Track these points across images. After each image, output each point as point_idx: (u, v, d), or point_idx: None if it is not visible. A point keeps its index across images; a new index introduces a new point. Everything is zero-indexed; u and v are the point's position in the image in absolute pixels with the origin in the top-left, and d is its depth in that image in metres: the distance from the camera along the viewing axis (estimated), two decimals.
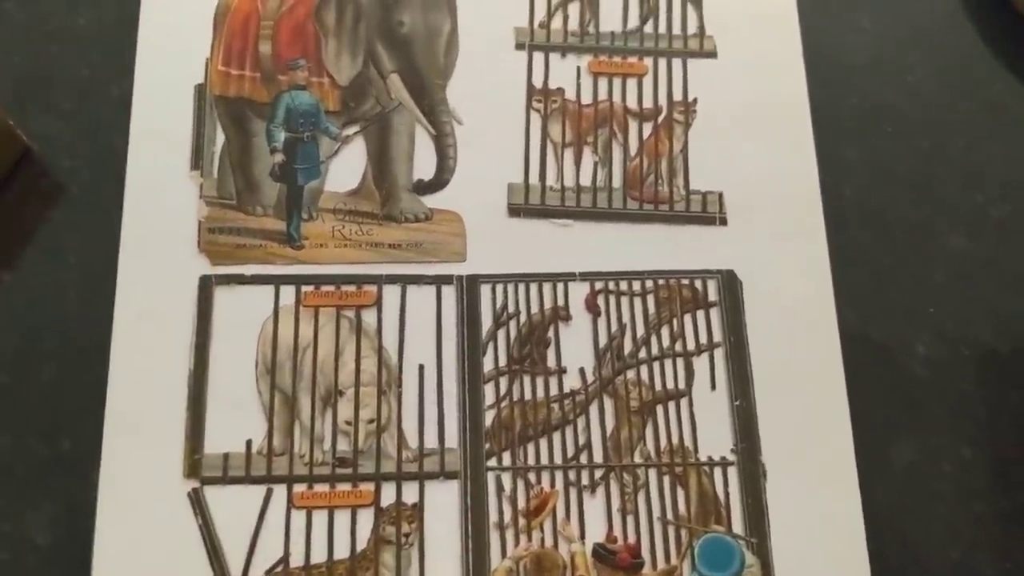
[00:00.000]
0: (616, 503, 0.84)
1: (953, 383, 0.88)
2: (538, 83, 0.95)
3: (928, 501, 0.85)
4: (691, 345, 0.88)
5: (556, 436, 0.85)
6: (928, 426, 0.87)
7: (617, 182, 0.93)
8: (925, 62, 0.98)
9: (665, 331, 0.89)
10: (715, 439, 0.86)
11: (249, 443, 0.84)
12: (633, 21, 0.98)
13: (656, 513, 0.84)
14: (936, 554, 0.83)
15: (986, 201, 0.93)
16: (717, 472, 0.85)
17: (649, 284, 0.90)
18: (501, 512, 0.83)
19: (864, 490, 0.84)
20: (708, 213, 0.92)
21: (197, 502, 0.82)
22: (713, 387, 0.87)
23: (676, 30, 0.98)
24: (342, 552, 0.82)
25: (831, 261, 0.90)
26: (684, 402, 0.87)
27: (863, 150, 0.95)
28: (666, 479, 0.85)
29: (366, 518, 0.83)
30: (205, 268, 0.88)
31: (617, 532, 0.83)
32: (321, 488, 0.84)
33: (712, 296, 0.89)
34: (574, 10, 0.98)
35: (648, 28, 0.98)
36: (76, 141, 0.93)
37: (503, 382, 0.87)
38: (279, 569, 0.81)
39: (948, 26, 0.99)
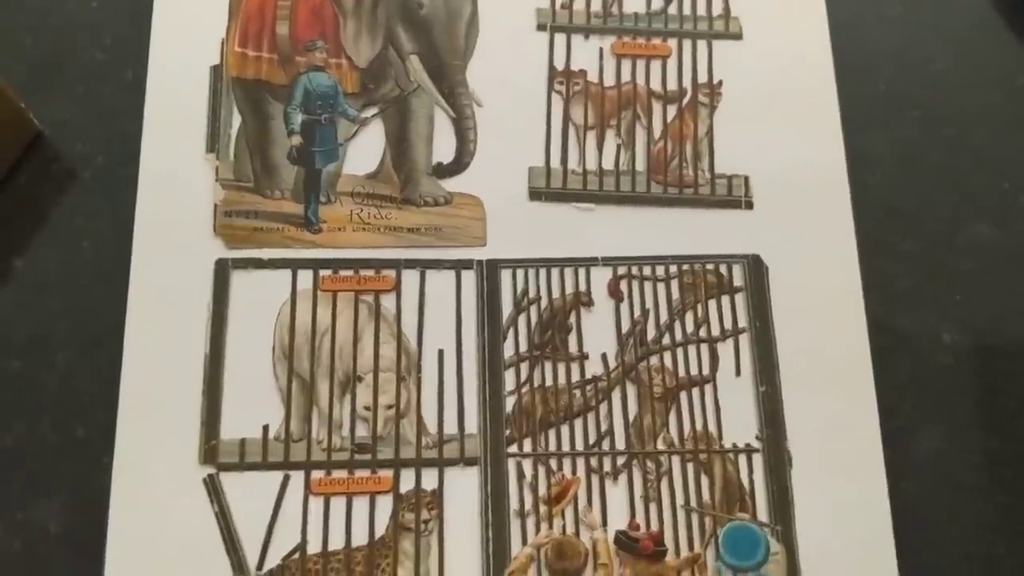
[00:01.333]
0: (639, 490, 0.84)
1: (978, 372, 0.88)
2: (560, 65, 0.95)
3: (953, 491, 0.85)
4: (716, 331, 0.88)
5: (578, 422, 0.85)
6: (953, 415, 0.86)
7: (640, 165, 0.93)
8: (951, 50, 0.97)
9: (689, 316, 0.89)
10: (740, 426, 0.85)
11: (266, 429, 0.84)
12: (657, 2, 0.98)
13: (680, 500, 0.84)
14: (961, 544, 0.83)
15: (1012, 189, 0.93)
16: (742, 459, 0.85)
17: (673, 269, 0.89)
18: (522, 499, 0.83)
19: (889, 479, 0.83)
20: (734, 197, 0.92)
21: (213, 488, 0.82)
22: (738, 373, 0.87)
23: (701, 11, 0.97)
24: (360, 539, 0.82)
25: (857, 248, 0.90)
26: (708, 388, 0.87)
27: (889, 138, 0.94)
28: (690, 466, 0.85)
29: (385, 505, 0.83)
30: (221, 252, 0.88)
31: (640, 519, 0.83)
32: (339, 474, 0.84)
33: (737, 281, 0.89)
34: None
35: (672, 9, 0.98)
36: (89, 125, 0.93)
37: (524, 368, 0.87)
38: (296, 556, 0.81)
39: (974, 14, 0.99)
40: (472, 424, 0.85)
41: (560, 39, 0.96)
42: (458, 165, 0.92)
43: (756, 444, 0.85)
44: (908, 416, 0.86)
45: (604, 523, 0.83)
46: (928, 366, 0.88)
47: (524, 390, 0.86)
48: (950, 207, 0.93)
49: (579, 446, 0.85)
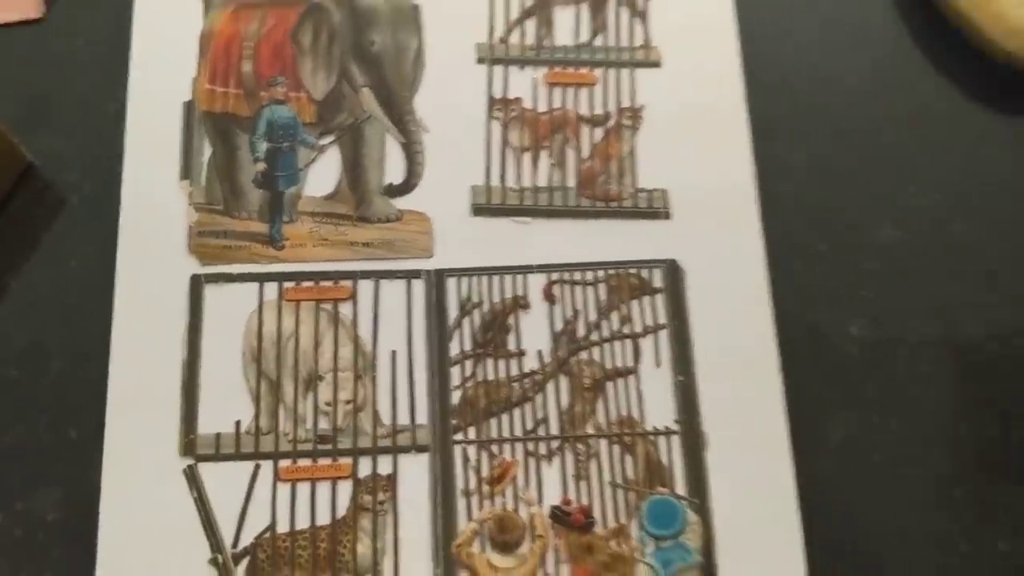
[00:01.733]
0: (571, 470, 0.87)
1: (883, 361, 0.90)
2: (498, 94, 0.98)
3: (859, 468, 0.87)
4: (638, 328, 0.91)
5: (516, 412, 0.89)
6: (860, 400, 0.89)
7: (571, 182, 0.96)
8: (860, 66, 1.00)
9: (615, 316, 0.91)
10: (660, 412, 0.88)
11: (238, 424, 0.87)
12: (585, 35, 1.01)
13: (607, 478, 0.86)
14: (866, 513, 0.86)
15: (916, 192, 0.96)
16: (662, 441, 0.87)
17: (600, 274, 0.92)
18: (467, 480, 0.86)
19: (801, 458, 0.86)
20: (654, 209, 0.94)
21: (192, 478, 0.85)
22: (658, 365, 0.90)
23: (624, 43, 1.00)
24: (324, 519, 0.85)
25: (771, 251, 0.92)
26: (632, 379, 0.89)
27: (801, 148, 0.97)
28: (616, 448, 0.87)
29: (345, 489, 0.86)
30: (195, 268, 0.91)
31: (572, 496, 0.86)
32: (304, 463, 0.86)
33: (657, 283, 0.92)
34: (531, 26, 1.00)
35: (598, 42, 1.00)
36: (75, 156, 0.95)
37: (468, 365, 0.89)
38: (267, 535, 0.84)
39: (881, 31, 1.01)
40: (422, 415, 0.88)
41: (498, 70, 0.99)
42: (407, 185, 0.95)
43: (675, 427, 0.87)
44: (819, 401, 0.89)
45: (540, 500, 0.86)
46: (838, 356, 0.91)
47: (469, 384, 0.89)
48: (858, 211, 0.95)
49: (518, 432, 0.88)
